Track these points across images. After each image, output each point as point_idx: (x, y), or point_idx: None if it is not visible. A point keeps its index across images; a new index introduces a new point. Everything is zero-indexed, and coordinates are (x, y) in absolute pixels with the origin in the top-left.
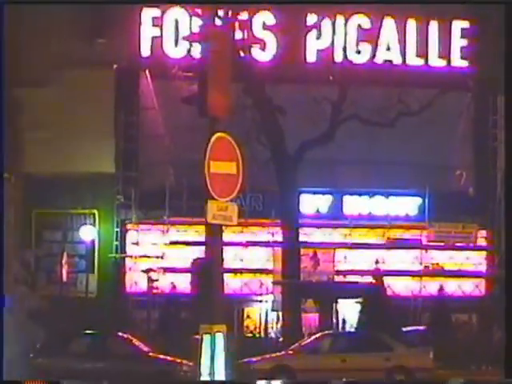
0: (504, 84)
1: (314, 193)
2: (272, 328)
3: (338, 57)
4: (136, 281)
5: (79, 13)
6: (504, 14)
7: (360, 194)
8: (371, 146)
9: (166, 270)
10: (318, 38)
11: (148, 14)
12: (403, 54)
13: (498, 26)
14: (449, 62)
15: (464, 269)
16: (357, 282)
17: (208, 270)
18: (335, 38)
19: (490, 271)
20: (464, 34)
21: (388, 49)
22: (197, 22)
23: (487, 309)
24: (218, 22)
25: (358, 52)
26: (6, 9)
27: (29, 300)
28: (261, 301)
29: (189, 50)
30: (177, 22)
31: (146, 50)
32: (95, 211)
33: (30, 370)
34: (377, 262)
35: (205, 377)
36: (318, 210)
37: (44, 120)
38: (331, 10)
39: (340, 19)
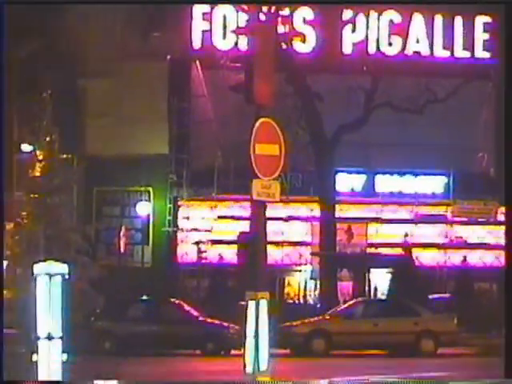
0: (505, 83)
1: (349, 172)
2: (310, 295)
3: (372, 49)
4: (187, 252)
5: (136, 9)
6: (504, 13)
7: (391, 174)
8: (401, 131)
9: (214, 242)
10: (353, 31)
11: (198, 9)
12: (431, 47)
13: None
14: (472, 53)
15: (485, 242)
16: (387, 254)
17: (253, 243)
18: (369, 32)
19: (509, 244)
20: (486, 28)
21: (417, 41)
22: (243, 17)
23: (506, 279)
24: (262, 17)
25: (390, 44)
26: (5, 9)
27: (90, 269)
28: (300, 270)
29: (236, 43)
30: (225, 17)
31: (196, 43)
32: (150, 189)
33: (91, 333)
34: (406, 236)
35: (250, 338)
36: (352, 189)
37: (105, 107)
38: (365, 7)
39: (373, 15)
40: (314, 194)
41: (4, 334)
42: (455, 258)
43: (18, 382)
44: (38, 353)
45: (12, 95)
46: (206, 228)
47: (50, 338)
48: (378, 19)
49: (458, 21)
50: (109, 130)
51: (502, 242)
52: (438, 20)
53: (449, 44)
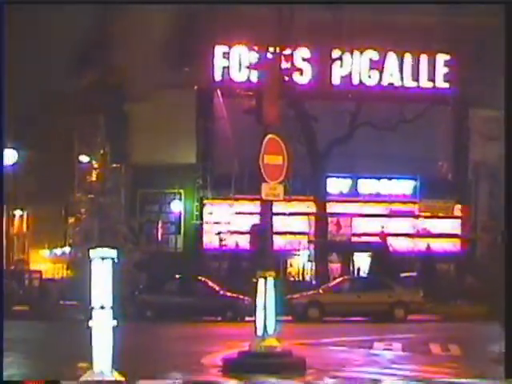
0: (504, 85)
1: (338, 177)
2: (307, 274)
3: (355, 80)
4: (211, 240)
5: (170, 50)
6: (504, 13)
7: (371, 178)
8: (379, 144)
9: (232, 232)
10: (340, 66)
11: (219, 49)
12: (402, 79)
13: (472, 57)
14: (434, 84)
15: (445, 232)
16: (368, 242)
17: (262, 233)
18: (353, 67)
19: (463, 234)
20: (446, 64)
21: (391, 75)
22: (254, 56)
23: (461, 261)
24: (269, 55)
25: (369, 77)
26: (5, 9)
27: (134, 254)
28: (299, 255)
29: (249, 76)
30: (240, 55)
31: (218, 76)
32: (182, 191)
33: (135, 303)
34: (382, 227)
35: (260, 308)
36: (340, 190)
37: (146, 126)
38: (350, 47)
39: (356, 53)
40: (310, 195)
41: (67, 304)
42: (421, 245)
43: (17, 382)
44: (93, 320)
45: (73, 116)
46: (226, 221)
47: (102, 308)
48: (360, 57)
49: (423, 58)
50: (149, 144)
51: (458, 232)
52: (407, 58)
53: (416, 77)
